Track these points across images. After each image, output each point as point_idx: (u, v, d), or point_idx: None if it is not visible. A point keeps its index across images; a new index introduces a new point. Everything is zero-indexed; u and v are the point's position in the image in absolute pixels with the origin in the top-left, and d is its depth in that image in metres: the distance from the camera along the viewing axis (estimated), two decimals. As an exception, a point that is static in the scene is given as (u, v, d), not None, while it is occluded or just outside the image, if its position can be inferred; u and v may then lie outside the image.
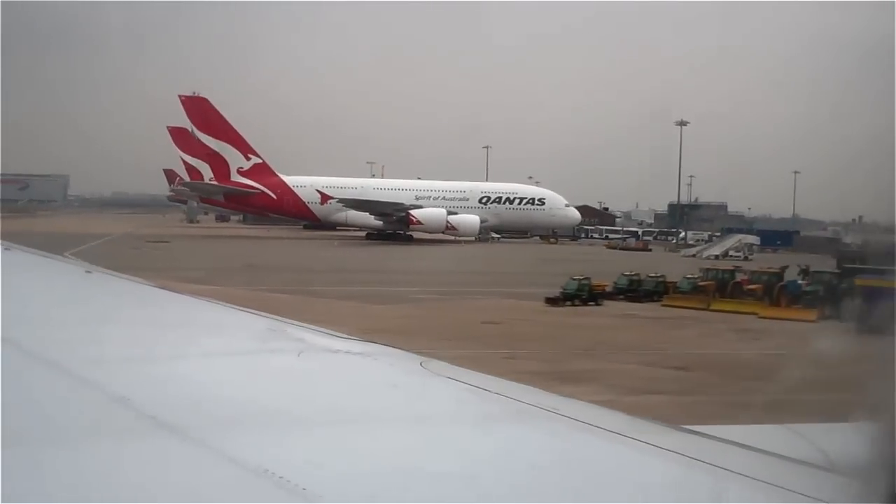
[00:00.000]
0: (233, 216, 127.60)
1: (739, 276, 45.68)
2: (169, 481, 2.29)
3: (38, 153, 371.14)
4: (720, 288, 44.46)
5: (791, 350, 31.56)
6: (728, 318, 39.59)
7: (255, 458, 2.44)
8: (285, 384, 3.52)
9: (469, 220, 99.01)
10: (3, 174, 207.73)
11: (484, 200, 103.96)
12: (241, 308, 5.44)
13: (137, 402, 2.94)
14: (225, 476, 2.34)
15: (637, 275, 47.24)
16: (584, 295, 43.38)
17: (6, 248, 7.37)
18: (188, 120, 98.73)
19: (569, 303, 42.51)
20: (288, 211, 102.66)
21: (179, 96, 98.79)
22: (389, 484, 2.38)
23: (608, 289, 45.54)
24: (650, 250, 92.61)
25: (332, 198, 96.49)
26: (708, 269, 46.88)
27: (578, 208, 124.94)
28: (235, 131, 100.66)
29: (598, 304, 43.33)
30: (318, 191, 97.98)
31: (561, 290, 43.22)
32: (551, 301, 42.34)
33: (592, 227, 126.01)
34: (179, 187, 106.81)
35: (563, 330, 33.83)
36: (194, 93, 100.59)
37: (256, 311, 5.26)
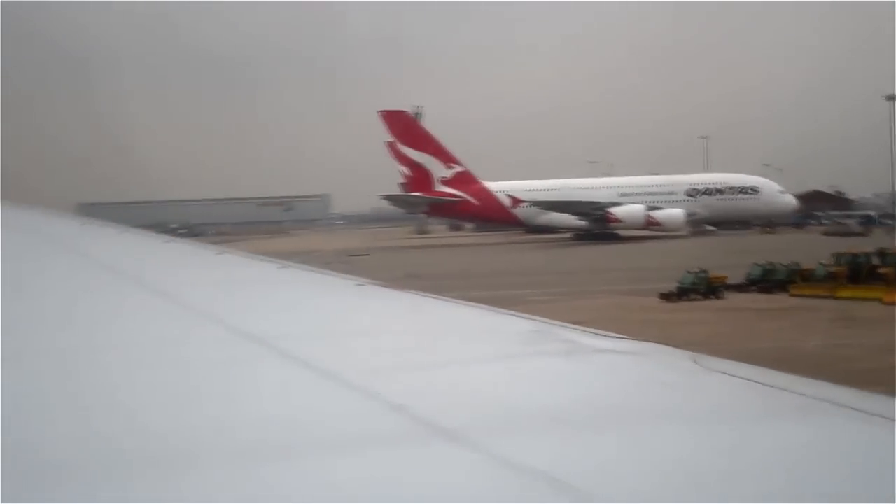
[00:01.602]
0: (467, 224, 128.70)
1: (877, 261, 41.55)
2: (449, 483, 2.40)
3: (304, 176, 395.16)
4: (854, 273, 40.71)
5: (863, 341, 28.54)
6: (848, 306, 36.06)
7: (533, 460, 2.48)
8: (556, 386, 3.52)
9: (673, 214, 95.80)
10: (267, 198, 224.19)
11: (692, 193, 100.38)
12: (504, 311, 5.42)
13: (414, 409, 3.03)
14: (503, 479, 2.40)
15: (772, 264, 44.09)
16: (702, 288, 41.04)
17: (283, 267, 7.85)
18: (390, 134, 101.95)
19: (685, 298, 40.39)
20: (491, 216, 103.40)
21: (378, 111, 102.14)
22: (672, 484, 2.37)
23: (729, 280, 42.83)
24: (867, 235, 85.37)
25: (522, 201, 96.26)
26: (840, 254, 42.90)
27: (808, 194, 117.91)
28: (436, 141, 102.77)
29: (718, 298, 40.83)
30: (508, 195, 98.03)
31: (677, 285, 41.14)
32: (665, 297, 40.38)
33: (823, 213, 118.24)
34: (384, 199, 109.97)
35: (632, 327, 32.12)
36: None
37: (519, 314, 5.27)
